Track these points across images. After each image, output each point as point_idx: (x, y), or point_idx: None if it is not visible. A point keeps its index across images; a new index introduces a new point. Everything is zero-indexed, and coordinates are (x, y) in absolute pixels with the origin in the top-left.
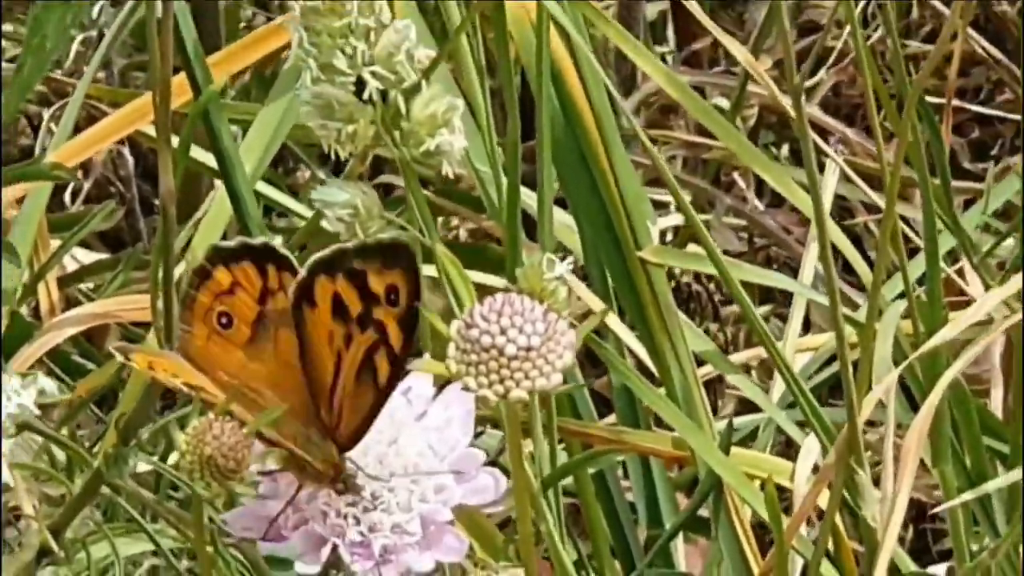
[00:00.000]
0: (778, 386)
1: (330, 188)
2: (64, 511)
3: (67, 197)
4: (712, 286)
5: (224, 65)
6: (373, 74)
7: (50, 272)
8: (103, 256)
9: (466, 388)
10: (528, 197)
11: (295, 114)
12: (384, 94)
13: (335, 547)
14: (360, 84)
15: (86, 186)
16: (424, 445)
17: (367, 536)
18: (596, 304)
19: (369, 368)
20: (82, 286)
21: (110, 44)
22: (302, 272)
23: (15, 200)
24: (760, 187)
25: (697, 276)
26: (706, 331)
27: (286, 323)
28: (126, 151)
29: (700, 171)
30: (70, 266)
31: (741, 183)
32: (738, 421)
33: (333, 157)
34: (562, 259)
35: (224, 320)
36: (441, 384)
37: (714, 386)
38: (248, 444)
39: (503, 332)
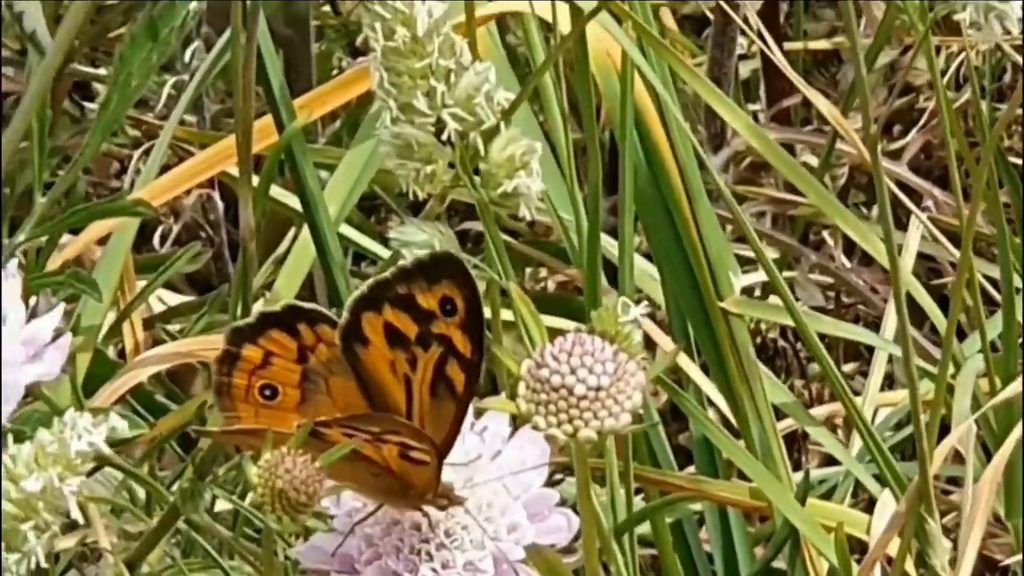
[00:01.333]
0: (858, 441)
1: (408, 228)
2: (140, 545)
3: (156, 241)
4: (799, 344)
5: (311, 107)
6: (452, 115)
7: (136, 313)
8: (190, 299)
9: (535, 427)
10: (612, 246)
11: (381, 158)
12: (463, 135)
13: None
14: (439, 125)
15: (175, 229)
16: (498, 484)
17: (440, 573)
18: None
19: (442, 381)
20: (167, 327)
21: (199, 85)
22: (344, 315)
23: (98, 240)
24: (849, 247)
25: (783, 332)
26: (791, 387)
27: (336, 371)
28: (215, 195)
29: (788, 229)
30: (157, 308)
31: (829, 241)
32: (817, 474)
33: (415, 198)
34: (638, 304)
35: (268, 392)
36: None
37: (796, 442)
38: (320, 478)
39: (573, 372)
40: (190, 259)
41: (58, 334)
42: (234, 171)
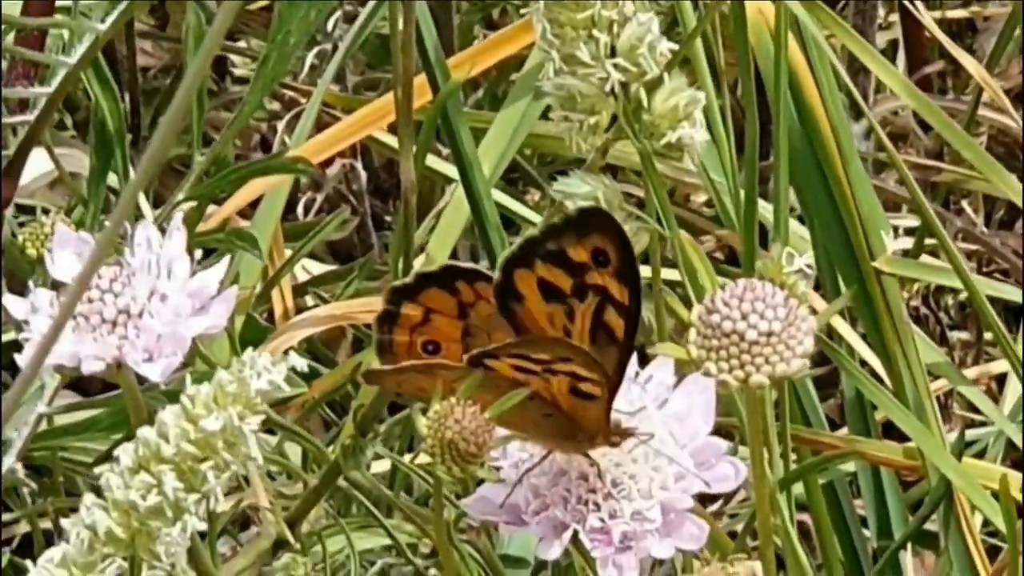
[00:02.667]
0: (1008, 401)
1: (572, 180)
2: (300, 503)
3: (300, 212)
4: (941, 313)
5: (463, 67)
6: (616, 66)
7: (284, 280)
8: (334, 267)
9: (706, 373)
10: (763, 209)
11: (532, 118)
12: (626, 86)
13: (575, 533)
14: (603, 76)
15: (318, 200)
16: (665, 433)
17: (607, 523)
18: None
19: (602, 329)
20: (318, 291)
21: (345, 54)
22: (497, 274)
23: (248, 203)
24: (989, 216)
25: (926, 300)
26: None
27: (497, 326)
28: (359, 166)
29: (929, 196)
30: (301, 277)
31: (970, 211)
32: (972, 433)
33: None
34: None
35: (430, 347)
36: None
37: (942, 410)
38: (490, 428)
39: (744, 317)
40: (337, 227)
41: (224, 286)
42: (380, 135)
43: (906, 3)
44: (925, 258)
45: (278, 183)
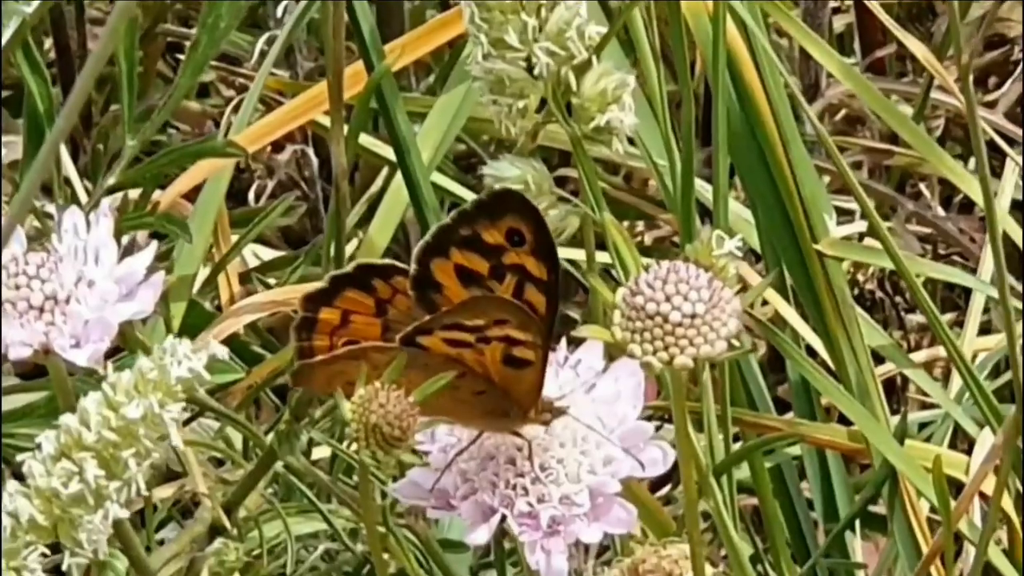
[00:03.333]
0: (955, 386)
1: (501, 163)
2: (237, 488)
3: (251, 198)
4: (897, 297)
5: (401, 51)
6: (544, 50)
7: (231, 267)
8: (284, 253)
9: (631, 355)
10: (708, 192)
11: (473, 103)
12: (555, 70)
13: (503, 518)
14: (531, 60)
15: (270, 186)
16: (593, 417)
17: (535, 507)
18: (772, 296)
19: (522, 303)
20: (263, 278)
21: (286, 40)
22: (413, 266)
23: (192, 188)
24: (945, 199)
25: (881, 283)
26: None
27: (418, 318)
28: (310, 151)
29: (883, 180)
30: (252, 263)
31: (926, 193)
32: (914, 417)
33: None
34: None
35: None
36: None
37: (895, 392)
38: (414, 412)
39: (668, 299)
40: (284, 212)
41: (151, 272)
42: (325, 121)
43: None
44: (871, 242)
45: (220, 167)
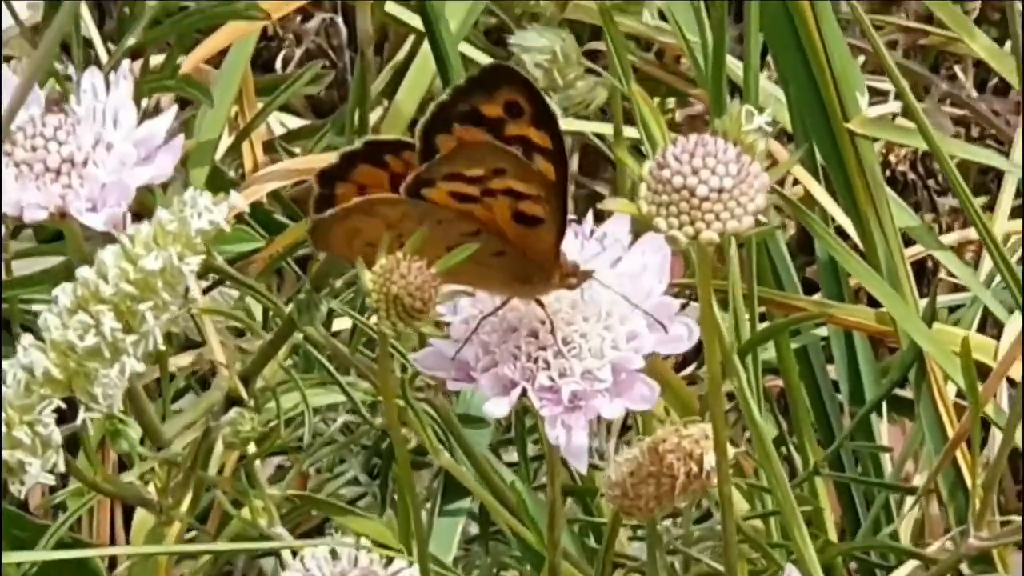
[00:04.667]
0: (985, 269)
1: (529, 33)
2: (255, 359)
3: (279, 66)
4: (929, 180)
5: None
6: None
7: (256, 135)
8: (309, 122)
9: (656, 228)
10: (737, 67)
11: None
12: None
13: (524, 391)
14: None
15: (297, 54)
16: (618, 292)
17: (556, 381)
18: (802, 175)
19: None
20: (285, 146)
21: None
22: (417, 142)
23: (216, 54)
24: (980, 82)
25: (913, 164)
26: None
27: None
28: (339, 20)
29: (918, 60)
30: (278, 131)
31: (960, 75)
32: (943, 299)
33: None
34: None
35: None
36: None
37: (925, 276)
38: (436, 283)
39: (695, 172)
40: (311, 80)
41: (171, 136)
42: None
43: None
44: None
45: (246, 32)
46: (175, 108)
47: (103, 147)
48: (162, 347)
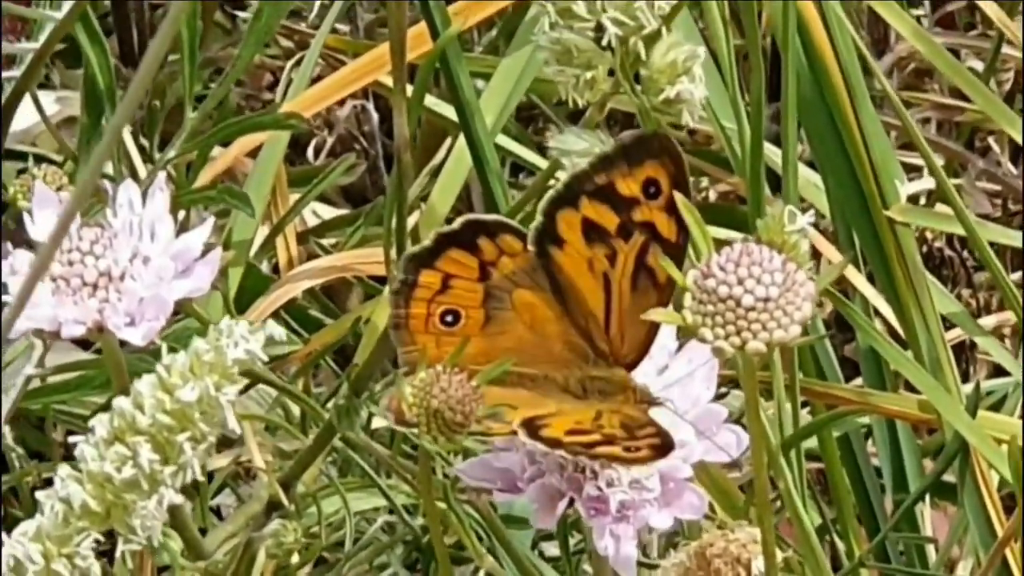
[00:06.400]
0: None
1: (568, 136)
2: (295, 464)
3: (310, 154)
4: (965, 253)
5: (466, 14)
6: (612, 20)
7: (289, 227)
8: (344, 212)
9: (702, 339)
10: (775, 155)
11: (538, 65)
12: (624, 40)
13: (571, 501)
14: (599, 30)
15: (329, 142)
16: (666, 399)
17: (604, 491)
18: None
19: (644, 271)
20: (322, 241)
21: None
22: (539, 217)
23: (248, 152)
24: (1016, 153)
25: (949, 240)
26: (958, 297)
27: (521, 282)
28: (370, 106)
29: (953, 135)
30: (312, 222)
31: (995, 147)
32: (987, 385)
33: (573, 106)
34: (805, 212)
35: (449, 318)
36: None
37: (964, 353)
38: (477, 397)
39: (740, 282)
40: (344, 171)
41: (208, 248)
42: (387, 80)
43: None
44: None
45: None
46: (211, 220)
47: (140, 261)
48: (201, 478)
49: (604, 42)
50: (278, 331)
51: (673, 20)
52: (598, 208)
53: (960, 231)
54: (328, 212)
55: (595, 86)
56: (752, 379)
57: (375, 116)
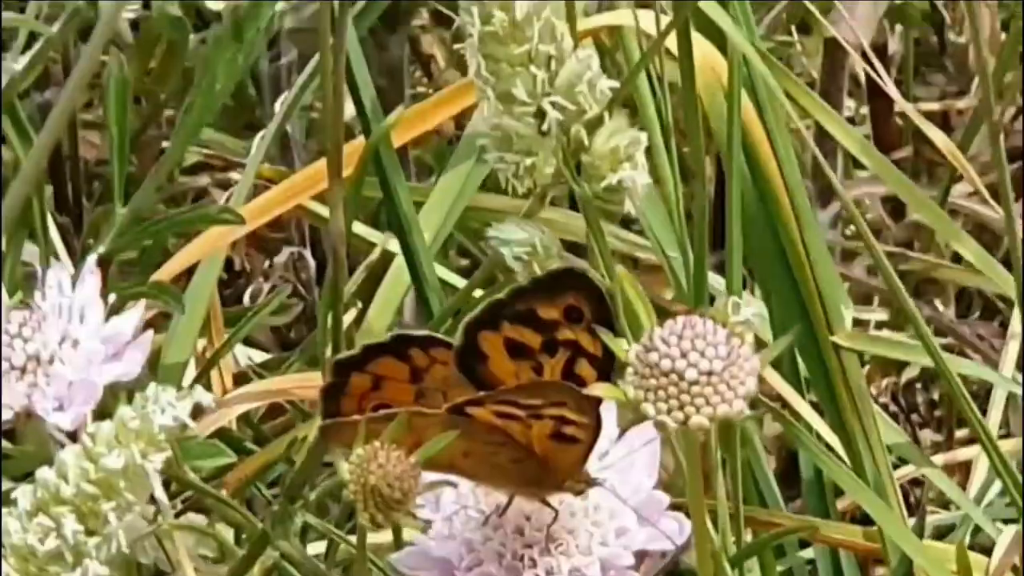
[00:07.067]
0: (974, 485)
1: (508, 226)
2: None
3: (247, 299)
4: (912, 414)
5: (406, 127)
6: (554, 104)
7: (225, 366)
8: (276, 355)
9: (644, 414)
10: (718, 282)
11: (475, 183)
12: (565, 126)
13: None
14: (540, 115)
15: (265, 288)
16: (607, 486)
17: None
18: (785, 388)
19: (573, 381)
20: (256, 367)
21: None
22: (458, 338)
23: (183, 272)
24: (968, 309)
25: (894, 397)
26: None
27: (454, 385)
28: (307, 254)
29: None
30: (245, 365)
31: (938, 304)
32: (933, 519)
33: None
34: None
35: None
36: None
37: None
38: (416, 474)
39: (683, 355)
40: (278, 310)
41: (139, 333)
42: (322, 211)
43: (878, 81)
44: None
45: (214, 247)
46: (142, 303)
47: (69, 344)
48: (126, 550)
49: (545, 127)
50: (206, 398)
51: (616, 105)
52: (520, 330)
53: (909, 358)
54: (262, 358)
55: (536, 173)
56: (695, 457)
57: (312, 264)
